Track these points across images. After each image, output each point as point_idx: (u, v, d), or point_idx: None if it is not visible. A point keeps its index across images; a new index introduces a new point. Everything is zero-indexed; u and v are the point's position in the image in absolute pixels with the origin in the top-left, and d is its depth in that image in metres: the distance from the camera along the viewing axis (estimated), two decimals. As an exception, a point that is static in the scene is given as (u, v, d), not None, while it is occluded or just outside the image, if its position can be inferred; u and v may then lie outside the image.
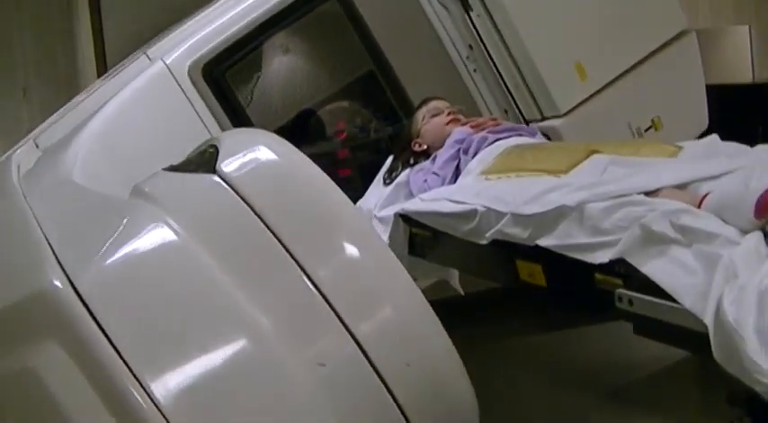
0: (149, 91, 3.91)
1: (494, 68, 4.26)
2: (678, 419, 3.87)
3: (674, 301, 2.07)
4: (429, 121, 3.84)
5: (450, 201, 3.05)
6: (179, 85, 3.94)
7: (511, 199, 2.74)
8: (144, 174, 3.06)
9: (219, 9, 4.09)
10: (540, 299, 2.89)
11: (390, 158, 3.90)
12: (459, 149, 3.50)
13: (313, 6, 4.13)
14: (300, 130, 4.43)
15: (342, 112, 4.59)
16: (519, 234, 2.65)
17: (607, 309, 2.33)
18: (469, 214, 2.89)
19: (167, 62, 3.94)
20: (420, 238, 3.39)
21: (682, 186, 2.44)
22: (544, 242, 2.55)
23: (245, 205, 2.39)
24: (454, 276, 4.00)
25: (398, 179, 3.68)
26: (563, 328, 5.18)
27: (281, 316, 2.29)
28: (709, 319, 1.92)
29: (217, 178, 2.46)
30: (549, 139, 4.10)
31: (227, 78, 4.06)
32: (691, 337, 2.03)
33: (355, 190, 3.99)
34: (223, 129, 3.97)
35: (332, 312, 2.30)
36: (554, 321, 5.24)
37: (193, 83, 3.95)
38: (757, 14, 7.94)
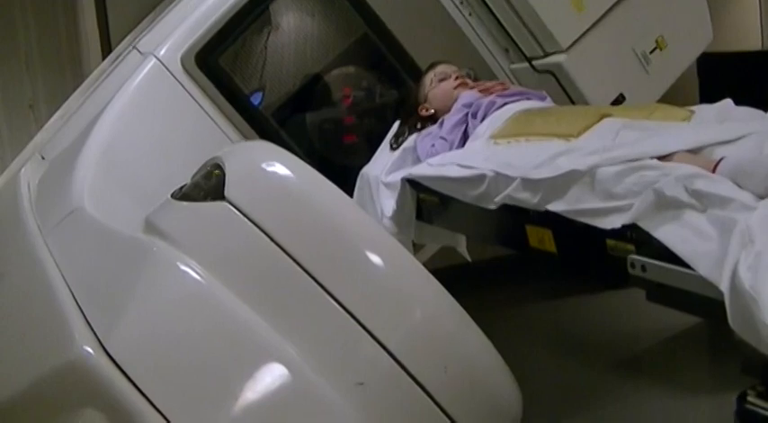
0: (146, 90, 3.85)
1: (488, 9, 4.21)
2: (690, 389, 3.85)
3: (688, 267, 2.03)
4: (436, 85, 3.79)
5: (459, 165, 3.00)
6: (175, 79, 3.89)
7: (520, 163, 2.69)
8: (155, 183, 3.16)
9: None
10: (550, 266, 2.86)
11: (397, 123, 3.85)
12: (467, 114, 3.46)
13: None
14: (307, 96, 4.40)
15: (347, 77, 4.55)
16: (529, 199, 2.61)
17: (619, 275, 2.29)
18: (478, 179, 2.85)
19: (159, 56, 3.89)
20: (428, 204, 3.36)
21: (695, 151, 2.39)
22: (555, 207, 2.51)
23: (260, 231, 2.41)
24: (462, 243, 3.96)
25: (405, 144, 3.64)
26: (572, 295, 5.17)
27: (312, 342, 2.32)
28: (724, 286, 1.88)
29: (228, 205, 2.46)
30: (554, 76, 4.09)
31: (220, 64, 4.01)
32: (706, 305, 1.99)
33: (362, 155, 3.97)
34: (227, 116, 3.95)
35: (362, 329, 2.32)
36: (562, 289, 5.23)
37: (189, 74, 3.90)
38: (768, -20, 7.88)
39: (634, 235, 2.26)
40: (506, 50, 4.28)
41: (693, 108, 2.83)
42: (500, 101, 3.42)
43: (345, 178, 3.79)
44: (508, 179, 2.70)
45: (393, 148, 3.67)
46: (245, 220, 2.42)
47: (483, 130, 3.26)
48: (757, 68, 6.57)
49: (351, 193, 3.65)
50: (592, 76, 4.12)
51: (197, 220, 2.57)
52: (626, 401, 3.82)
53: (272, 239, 2.39)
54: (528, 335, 4.65)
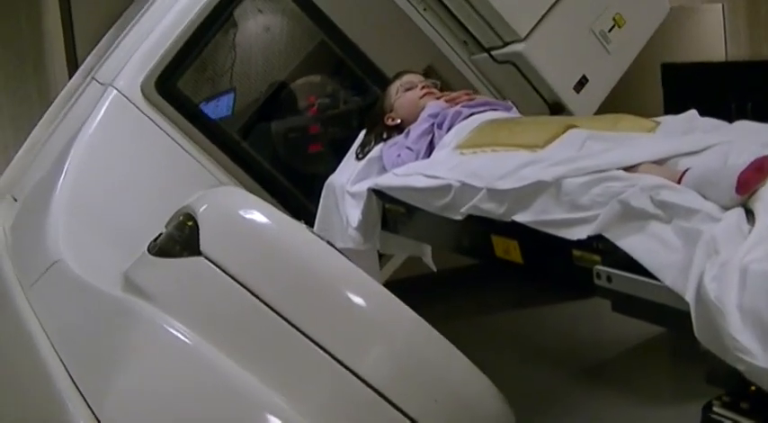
0: (110, 124, 3.81)
1: (441, 3, 4.20)
2: (654, 398, 3.86)
3: (653, 278, 2.03)
4: (402, 94, 3.79)
5: (425, 175, 3.00)
6: (138, 109, 3.86)
7: (486, 174, 2.69)
8: (130, 221, 3.33)
9: (151, 20, 3.99)
10: (515, 274, 2.87)
11: (363, 133, 3.84)
12: (432, 123, 3.45)
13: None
14: (272, 108, 4.39)
15: (311, 86, 4.54)
16: (494, 209, 2.61)
17: (585, 286, 2.30)
18: (444, 189, 2.85)
19: (119, 87, 3.84)
20: (393, 214, 3.35)
21: (660, 162, 2.40)
22: (520, 218, 2.50)
23: (238, 285, 2.39)
24: (427, 253, 3.96)
25: (371, 154, 3.63)
26: (537, 305, 5.18)
27: (301, 391, 2.31)
28: (690, 297, 1.89)
29: (204, 261, 2.45)
30: (515, 66, 4.09)
31: (179, 88, 3.97)
32: (671, 315, 2.00)
33: (328, 164, 3.96)
34: (193, 140, 3.93)
35: (350, 373, 2.31)
36: (528, 297, 5.23)
37: (151, 102, 3.87)
38: (730, -8, 7.95)
39: (600, 245, 2.26)
40: (465, 43, 4.28)
41: (659, 119, 2.84)
42: (466, 111, 3.42)
43: (312, 187, 3.78)
44: (474, 189, 2.70)
45: (359, 158, 3.66)
46: (223, 274, 2.42)
47: (449, 141, 3.25)
48: (720, 79, 6.61)
49: (317, 202, 3.65)
50: (553, 61, 4.13)
51: (176, 278, 2.55)
52: (590, 410, 3.82)
53: (251, 292, 2.38)
54: (493, 343, 4.65)
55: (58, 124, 4.11)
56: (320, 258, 2.53)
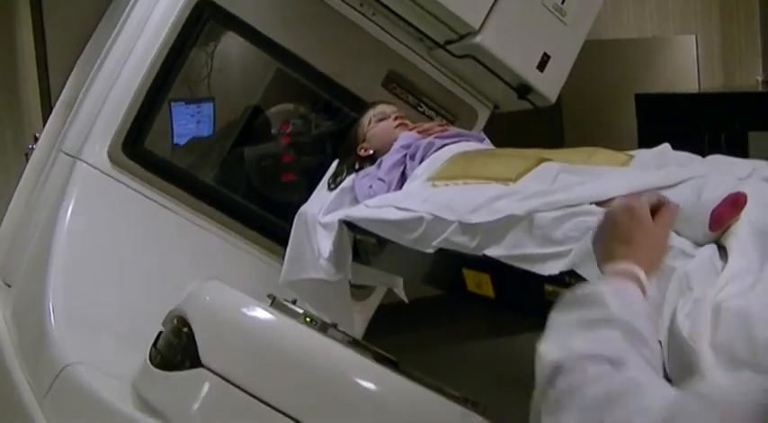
0: (87, 200, 3.75)
1: (385, 6, 4.07)
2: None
3: (626, 314, 2.01)
4: (375, 125, 3.75)
5: (396, 208, 2.97)
6: (110, 177, 3.77)
7: (458, 207, 2.67)
8: (130, 300, 3.42)
9: (105, 84, 3.89)
10: (487, 304, 2.85)
11: (335, 163, 3.80)
12: (405, 155, 3.42)
13: (190, 44, 3.93)
14: (248, 130, 4.36)
15: (285, 114, 4.51)
16: (466, 243, 2.59)
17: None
18: (415, 222, 2.82)
19: (86, 159, 3.76)
20: (364, 245, 3.32)
21: (634, 196, 2.38)
22: (492, 252, 2.48)
23: (243, 393, 2.41)
24: (399, 284, 3.92)
25: (343, 184, 3.58)
26: (509, 333, 5.16)
27: None
28: (662, 333, 1.86)
29: (207, 372, 2.48)
30: (477, 60, 4.04)
31: (147, 147, 3.89)
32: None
33: (300, 193, 3.93)
34: (172, 196, 3.85)
35: None
36: (499, 326, 5.21)
37: (120, 167, 3.79)
38: (703, 24, 8.01)
39: (572, 281, 2.23)
40: (420, 40, 4.18)
41: (632, 152, 2.82)
42: (439, 142, 3.39)
43: (286, 216, 3.74)
44: (445, 222, 2.67)
45: (331, 188, 3.62)
46: (227, 384, 2.44)
47: (421, 172, 3.22)
48: (695, 109, 6.65)
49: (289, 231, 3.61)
50: (512, 45, 4.04)
51: (183, 394, 2.57)
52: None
53: (258, 399, 2.40)
54: (466, 372, 4.61)
55: (35, 199, 4.06)
56: (321, 353, 2.54)
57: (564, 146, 4.74)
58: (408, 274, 3.57)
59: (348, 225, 3.30)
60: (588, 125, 4.33)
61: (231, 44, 4.25)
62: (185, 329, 2.62)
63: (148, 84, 3.82)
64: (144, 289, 3.57)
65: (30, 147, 5.97)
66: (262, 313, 2.60)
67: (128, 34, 3.91)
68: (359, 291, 3.94)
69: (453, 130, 3.72)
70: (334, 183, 3.65)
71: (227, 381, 2.43)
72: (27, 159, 5.63)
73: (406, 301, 3.98)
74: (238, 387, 2.41)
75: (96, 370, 3.07)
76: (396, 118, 3.76)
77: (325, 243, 3.36)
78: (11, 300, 3.86)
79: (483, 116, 4.39)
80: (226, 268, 3.76)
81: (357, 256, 3.40)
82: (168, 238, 3.84)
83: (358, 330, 3.92)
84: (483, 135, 3.70)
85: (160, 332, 2.80)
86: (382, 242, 3.15)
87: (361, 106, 4.00)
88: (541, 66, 4.08)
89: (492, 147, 3.62)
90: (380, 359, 2.56)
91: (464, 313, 5.11)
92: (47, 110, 5.31)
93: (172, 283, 3.36)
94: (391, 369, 2.52)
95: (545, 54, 4.10)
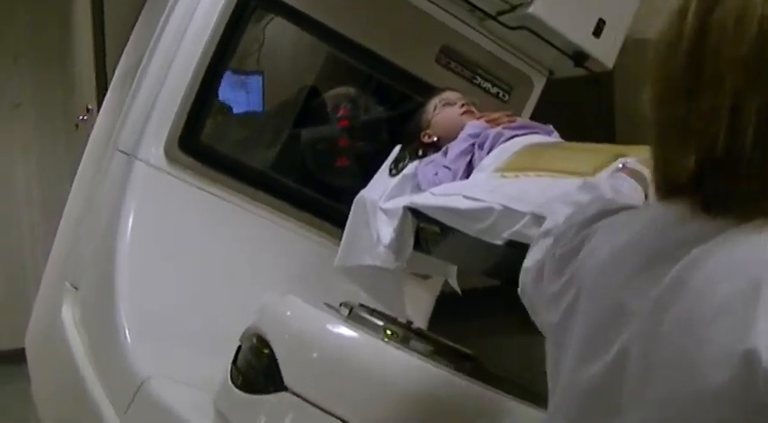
0: (148, 200, 3.74)
1: None
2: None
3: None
4: (441, 111, 3.70)
5: (464, 197, 2.91)
6: (170, 175, 3.76)
7: (532, 198, 2.61)
8: (202, 308, 3.42)
9: (155, 77, 3.88)
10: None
11: (397, 148, 3.75)
12: (473, 144, 3.35)
13: (239, 33, 3.91)
14: (304, 112, 4.32)
15: (343, 97, 4.48)
16: (539, 236, 2.52)
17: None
18: (485, 212, 2.75)
19: (144, 158, 3.74)
20: (426, 234, 3.25)
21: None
22: (567, 246, 2.42)
23: (330, 416, 2.40)
24: (453, 274, 3.86)
25: (406, 170, 3.53)
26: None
27: None
28: None
29: (292, 396, 2.47)
30: (531, 31, 4.03)
31: (203, 141, 3.88)
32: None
33: (354, 178, 3.89)
34: (234, 190, 3.85)
35: None
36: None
37: (178, 163, 3.77)
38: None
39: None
40: (472, 11, 4.16)
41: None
42: (508, 133, 3.32)
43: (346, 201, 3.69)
44: (517, 214, 2.61)
45: (392, 174, 3.57)
46: (313, 408, 2.43)
47: (489, 163, 3.16)
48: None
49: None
50: (565, 13, 4.01)
51: (269, 417, 2.57)
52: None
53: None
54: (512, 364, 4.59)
55: (94, 201, 4.05)
56: (404, 372, 2.52)
57: (614, 117, 4.70)
58: (470, 265, 3.52)
59: (412, 212, 3.24)
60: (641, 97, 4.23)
61: (281, 22, 4.21)
62: (266, 351, 2.60)
63: (200, 78, 3.81)
64: (212, 288, 3.55)
65: (80, 117, 5.99)
66: (346, 331, 2.59)
67: (174, 25, 3.91)
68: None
69: (521, 120, 3.67)
70: (395, 168, 3.59)
71: (313, 404, 2.42)
72: (77, 129, 5.64)
73: (459, 291, 3.93)
74: (323, 409, 2.40)
75: (173, 382, 3.06)
76: (462, 105, 3.70)
77: (385, 229, 3.30)
78: (79, 304, 3.84)
79: (539, 84, 4.39)
80: (289, 258, 3.82)
81: (417, 244, 3.33)
82: (233, 233, 3.83)
83: (425, 311, 4.00)
84: (551, 128, 3.61)
85: (239, 347, 2.78)
86: (445, 231, 3.08)
87: (417, 85, 4.02)
88: (597, 32, 4.05)
89: (561, 140, 3.55)
90: (460, 359, 2.59)
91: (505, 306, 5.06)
92: (101, 81, 5.32)
93: (241, 280, 3.36)
94: (473, 369, 2.54)
95: (600, 20, 4.06)
